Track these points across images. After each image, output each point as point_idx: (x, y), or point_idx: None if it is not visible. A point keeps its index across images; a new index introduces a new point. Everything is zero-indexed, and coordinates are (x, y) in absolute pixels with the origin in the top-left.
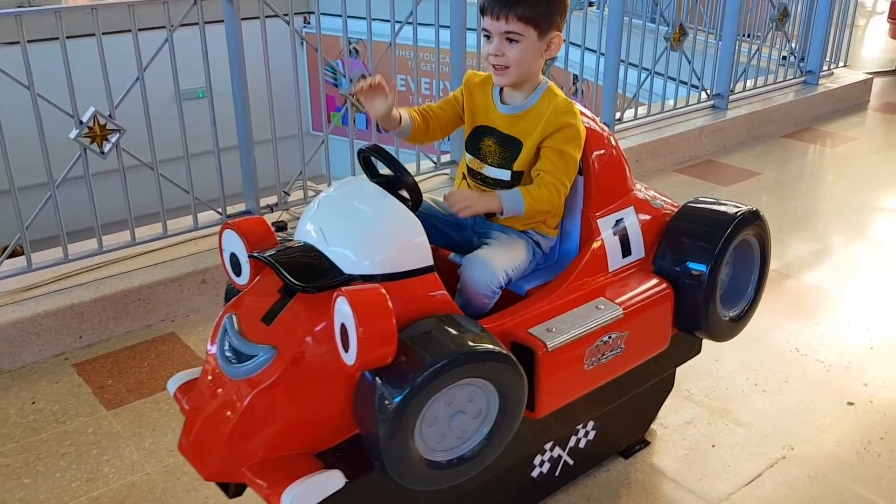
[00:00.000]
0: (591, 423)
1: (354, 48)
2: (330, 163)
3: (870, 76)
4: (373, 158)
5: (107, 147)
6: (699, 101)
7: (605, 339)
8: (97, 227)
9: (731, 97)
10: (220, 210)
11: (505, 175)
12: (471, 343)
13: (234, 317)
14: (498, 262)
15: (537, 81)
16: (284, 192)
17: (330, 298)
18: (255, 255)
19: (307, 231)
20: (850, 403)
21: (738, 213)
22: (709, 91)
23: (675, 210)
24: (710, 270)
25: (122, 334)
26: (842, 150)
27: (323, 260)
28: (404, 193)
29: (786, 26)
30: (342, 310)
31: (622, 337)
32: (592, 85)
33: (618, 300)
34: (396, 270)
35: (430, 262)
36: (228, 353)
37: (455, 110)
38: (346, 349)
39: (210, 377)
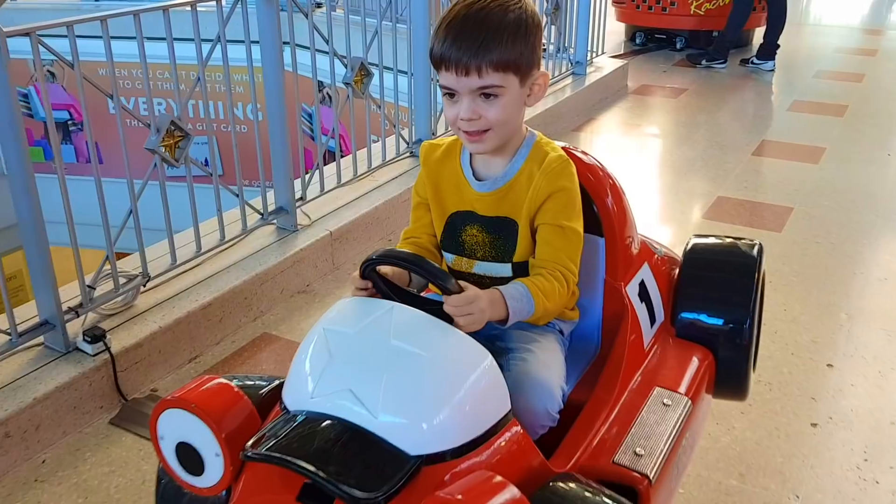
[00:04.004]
0: None
1: (50, 71)
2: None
3: (625, 62)
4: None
5: None
6: None
7: (685, 440)
8: None
9: None
10: (8, 331)
11: (506, 270)
12: None
13: None
14: (552, 377)
15: (521, 137)
16: (89, 286)
17: None
18: (259, 454)
19: (320, 395)
20: (814, 424)
21: (757, 251)
22: None
23: (678, 257)
24: (749, 325)
25: None
26: (634, 138)
27: (369, 440)
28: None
29: (558, 20)
30: None
31: (694, 432)
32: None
33: (678, 388)
34: (481, 432)
35: (509, 403)
36: None
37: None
38: None
39: None
